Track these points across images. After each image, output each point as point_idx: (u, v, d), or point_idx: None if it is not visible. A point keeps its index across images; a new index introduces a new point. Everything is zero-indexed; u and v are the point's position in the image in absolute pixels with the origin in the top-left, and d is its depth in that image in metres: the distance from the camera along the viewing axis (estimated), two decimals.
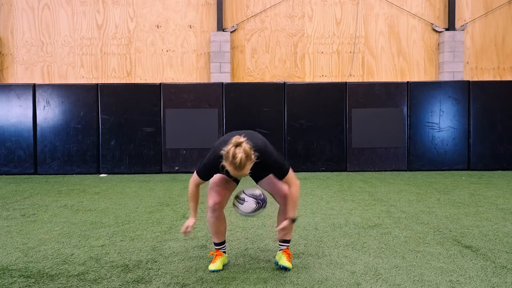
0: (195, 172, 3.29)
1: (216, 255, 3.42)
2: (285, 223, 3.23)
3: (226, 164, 2.96)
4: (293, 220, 3.25)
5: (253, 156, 2.96)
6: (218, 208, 3.33)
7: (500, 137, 10.11)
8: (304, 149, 10.05)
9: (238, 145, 2.93)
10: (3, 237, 4.37)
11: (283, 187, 3.32)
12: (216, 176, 3.36)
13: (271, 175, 3.33)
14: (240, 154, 2.89)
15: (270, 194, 3.41)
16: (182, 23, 11.30)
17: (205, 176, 3.26)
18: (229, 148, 2.93)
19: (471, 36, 11.41)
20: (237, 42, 11.30)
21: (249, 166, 2.95)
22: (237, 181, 3.41)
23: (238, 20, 11.29)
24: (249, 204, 3.28)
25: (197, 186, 3.31)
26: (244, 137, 3.02)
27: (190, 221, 3.36)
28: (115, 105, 9.97)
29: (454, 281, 3.08)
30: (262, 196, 3.33)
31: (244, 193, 3.33)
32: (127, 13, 11.24)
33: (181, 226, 3.41)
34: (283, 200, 3.34)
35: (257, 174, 3.34)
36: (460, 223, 4.81)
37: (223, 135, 9.92)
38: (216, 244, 3.47)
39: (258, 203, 3.28)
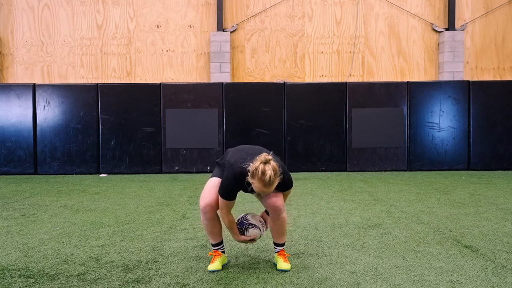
0: (220, 199, 3.23)
1: (215, 255, 3.42)
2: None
3: (254, 181, 2.99)
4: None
5: (279, 173, 3.01)
6: (209, 210, 3.30)
7: (500, 137, 10.11)
8: (304, 149, 10.05)
9: (266, 162, 2.98)
10: (3, 237, 4.37)
11: (275, 198, 3.28)
12: (212, 180, 3.37)
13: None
14: (269, 171, 2.94)
15: (263, 202, 3.35)
16: (182, 23, 11.30)
17: (231, 196, 3.20)
18: (257, 165, 2.97)
19: (471, 36, 11.41)
20: (237, 42, 11.30)
21: (276, 183, 3.01)
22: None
23: (238, 20, 11.29)
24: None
25: (229, 211, 3.28)
26: (270, 155, 3.09)
27: (241, 237, 3.41)
28: (115, 105, 9.97)
29: (454, 281, 3.08)
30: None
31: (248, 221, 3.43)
32: (127, 13, 11.24)
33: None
34: (271, 208, 3.28)
35: None
36: (460, 223, 4.81)
37: (223, 135, 9.93)
38: (213, 245, 3.47)
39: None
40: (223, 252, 3.47)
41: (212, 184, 3.35)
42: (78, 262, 3.56)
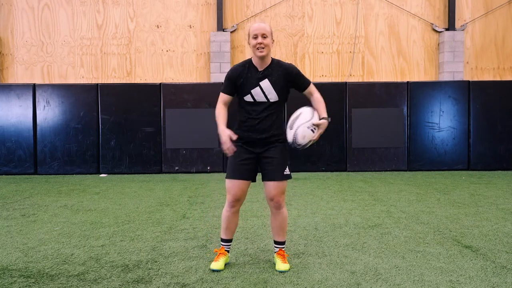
0: (220, 95, 3.47)
1: (220, 253, 3.44)
2: (321, 122, 3.32)
3: (250, 27, 3.32)
4: (326, 119, 3.38)
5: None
6: (237, 204, 3.39)
7: (500, 137, 10.11)
8: (304, 149, 10.03)
9: None
10: (3, 237, 4.37)
11: (276, 192, 3.33)
12: (235, 167, 3.33)
13: (273, 180, 3.34)
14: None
15: (265, 194, 3.42)
16: (182, 23, 11.30)
17: (228, 88, 3.41)
18: None
19: (471, 36, 11.41)
20: (237, 42, 11.29)
21: (269, 27, 3.31)
22: (253, 178, 3.41)
23: (238, 20, 11.29)
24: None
25: (225, 104, 3.44)
26: None
27: (226, 132, 3.26)
28: (115, 105, 9.97)
29: (454, 281, 3.08)
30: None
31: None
32: (127, 13, 11.24)
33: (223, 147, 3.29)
34: (272, 203, 3.37)
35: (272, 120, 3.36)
36: (460, 223, 4.81)
37: None
38: (223, 240, 3.49)
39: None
40: (228, 251, 3.49)
41: (237, 175, 3.33)
42: (78, 262, 3.56)
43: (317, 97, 3.52)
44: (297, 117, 3.30)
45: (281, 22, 11.31)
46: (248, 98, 3.33)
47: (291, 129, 3.27)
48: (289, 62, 3.47)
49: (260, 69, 3.34)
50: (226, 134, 3.26)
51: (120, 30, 11.23)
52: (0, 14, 11.17)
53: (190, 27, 11.30)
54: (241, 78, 3.34)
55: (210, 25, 11.27)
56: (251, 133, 3.34)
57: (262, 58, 3.30)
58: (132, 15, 11.25)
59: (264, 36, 3.25)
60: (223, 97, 3.44)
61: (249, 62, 3.40)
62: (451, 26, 11.22)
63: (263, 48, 3.25)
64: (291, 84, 3.43)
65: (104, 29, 11.22)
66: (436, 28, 11.32)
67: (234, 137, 3.26)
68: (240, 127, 3.38)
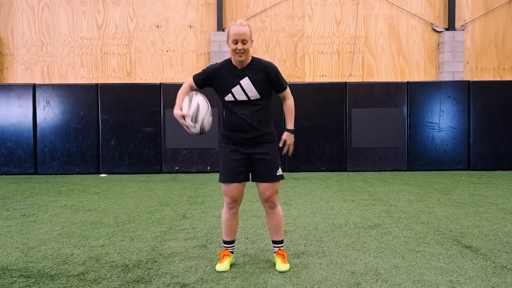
0: (191, 79, 3.41)
1: (224, 255, 3.44)
2: (285, 136, 3.48)
3: (230, 28, 3.22)
4: (291, 131, 3.52)
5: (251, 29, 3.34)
6: (236, 205, 3.39)
7: (500, 137, 10.11)
8: (304, 149, 10.05)
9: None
10: (3, 237, 4.37)
11: (270, 193, 3.36)
12: (228, 168, 3.33)
13: (264, 184, 3.35)
14: (241, 19, 3.29)
15: (259, 194, 3.43)
16: (182, 23, 11.30)
17: (202, 81, 3.36)
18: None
19: (471, 36, 11.41)
20: None
21: (249, 30, 3.22)
22: (248, 178, 3.41)
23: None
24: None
25: (191, 88, 3.40)
26: None
27: (178, 113, 3.24)
28: (115, 105, 9.97)
29: (454, 281, 3.08)
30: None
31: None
32: (127, 13, 11.24)
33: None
34: (267, 203, 3.39)
35: (258, 133, 3.32)
36: (460, 223, 4.81)
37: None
38: (225, 242, 3.49)
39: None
40: (232, 252, 3.50)
41: (233, 177, 3.32)
42: (78, 262, 3.56)
43: (289, 104, 3.48)
44: (197, 109, 3.20)
45: (281, 22, 11.31)
46: (229, 97, 3.30)
47: (196, 122, 3.21)
48: (269, 61, 3.42)
49: (239, 68, 3.29)
50: (178, 115, 3.23)
51: (120, 30, 11.23)
52: (0, 14, 11.16)
53: (190, 27, 11.30)
54: (220, 78, 3.31)
55: (210, 25, 11.27)
56: (240, 132, 3.31)
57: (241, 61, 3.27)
58: (132, 15, 11.24)
59: (244, 42, 3.18)
60: (191, 83, 3.39)
61: (228, 62, 3.34)
62: (451, 26, 11.22)
63: (243, 53, 3.21)
64: (269, 83, 3.35)
65: (104, 29, 11.22)
66: (436, 28, 11.32)
67: (186, 115, 3.19)
68: (228, 127, 3.36)
